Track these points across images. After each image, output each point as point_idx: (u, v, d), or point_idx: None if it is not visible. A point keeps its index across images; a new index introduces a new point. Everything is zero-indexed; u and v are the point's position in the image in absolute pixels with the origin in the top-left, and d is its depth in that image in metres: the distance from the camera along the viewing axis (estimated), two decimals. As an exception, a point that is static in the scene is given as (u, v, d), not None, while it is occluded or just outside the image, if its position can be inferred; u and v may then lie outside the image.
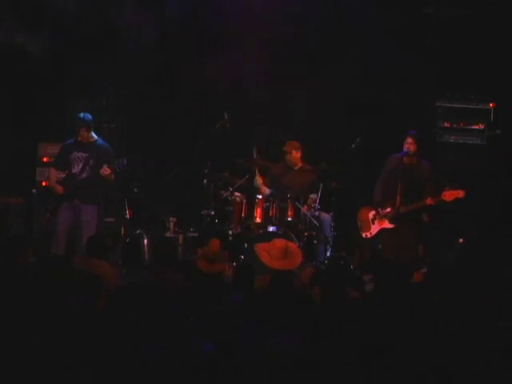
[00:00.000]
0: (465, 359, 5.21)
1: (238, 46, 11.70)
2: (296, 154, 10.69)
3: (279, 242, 9.04)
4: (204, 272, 8.06)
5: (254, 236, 10.26)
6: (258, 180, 10.70)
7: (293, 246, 9.30)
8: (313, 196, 10.38)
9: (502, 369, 5.16)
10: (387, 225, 9.90)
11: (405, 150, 9.87)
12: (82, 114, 9.97)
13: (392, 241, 9.84)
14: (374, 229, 10.02)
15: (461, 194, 9.58)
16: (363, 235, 10.11)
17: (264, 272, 8.08)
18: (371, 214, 10.06)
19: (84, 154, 9.91)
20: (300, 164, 10.76)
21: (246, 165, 10.74)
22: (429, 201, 9.68)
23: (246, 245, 10.16)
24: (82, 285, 6.37)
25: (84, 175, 9.87)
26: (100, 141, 10.04)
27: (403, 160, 9.93)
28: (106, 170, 9.65)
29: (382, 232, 9.98)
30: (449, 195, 9.59)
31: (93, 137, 10.00)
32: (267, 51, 11.67)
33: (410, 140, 9.86)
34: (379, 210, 9.95)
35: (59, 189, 9.90)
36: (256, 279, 7.43)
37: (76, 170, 9.93)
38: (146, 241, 10.59)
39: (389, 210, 9.88)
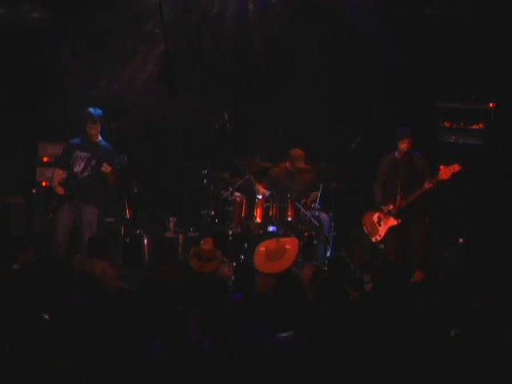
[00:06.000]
0: (464, 359, 5.21)
1: (236, 44, 11.73)
2: (300, 164, 10.65)
3: (262, 249, 8.94)
4: (196, 271, 8.02)
5: (254, 236, 10.26)
6: (258, 189, 10.66)
7: (275, 245, 9.17)
8: (315, 193, 10.37)
9: (502, 369, 5.16)
10: (393, 222, 9.88)
11: (403, 150, 9.89)
12: (91, 108, 9.98)
13: (395, 239, 9.86)
14: (382, 230, 9.99)
15: (456, 167, 9.53)
16: (373, 239, 10.05)
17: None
18: (375, 216, 10.04)
19: (87, 154, 9.91)
20: (301, 165, 10.74)
21: (245, 165, 10.73)
22: (427, 184, 9.65)
23: (246, 245, 10.17)
24: (82, 285, 6.37)
25: (85, 174, 9.87)
26: (103, 142, 10.05)
27: (400, 159, 9.96)
28: (106, 168, 9.66)
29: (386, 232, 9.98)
30: (445, 173, 9.55)
31: (98, 136, 10.01)
32: (267, 51, 11.70)
33: (408, 140, 9.88)
34: (382, 207, 9.94)
35: (60, 190, 9.89)
36: (258, 280, 7.43)
37: (77, 169, 9.93)
38: (146, 241, 10.60)
39: (391, 206, 9.88)
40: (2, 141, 11.37)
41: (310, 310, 6.04)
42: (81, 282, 6.48)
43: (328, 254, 10.43)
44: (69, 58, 11.46)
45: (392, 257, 9.77)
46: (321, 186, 10.34)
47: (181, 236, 10.87)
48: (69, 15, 11.48)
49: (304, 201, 10.28)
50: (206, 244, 8.35)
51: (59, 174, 10.04)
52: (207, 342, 5.20)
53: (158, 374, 4.90)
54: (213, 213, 10.65)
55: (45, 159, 11.34)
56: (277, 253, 8.79)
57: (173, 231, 11.00)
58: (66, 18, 11.47)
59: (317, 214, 10.32)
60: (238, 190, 10.58)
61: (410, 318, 5.84)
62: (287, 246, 9.19)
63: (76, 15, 11.45)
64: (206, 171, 10.77)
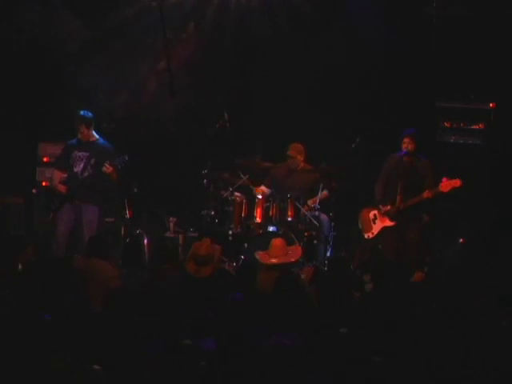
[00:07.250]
0: (465, 359, 5.21)
1: (235, 45, 11.74)
2: (300, 158, 10.65)
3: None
4: (192, 275, 7.97)
5: (254, 236, 10.26)
6: (256, 192, 10.63)
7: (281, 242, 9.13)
8: (314, 199, 10.38)
9: (502, 368, 5.16)
10: (388, 223, 9.89)
11: (404, 150, 9.90)
12: (81, 111, 10.00)
13: (392, 240, 9.85)
14: (376, 228, 10.00)
15: (457, 183, 9.56)
16: (365, 236, 10.07)
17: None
18: (371, 214, 10.06)
19: (85, 154, 9.92)
20: (302, 165, 10.74)
21: (245, 165, 10.73)
22: (426, 194, 9.67)
23: (246, 245, 10.16)
24: (82, 284, 6.38)
25: (85, 174, 9.87)
26: (101, 140, 10.06)
27: (402, 159, 9.94)
28: (108, 168, 9.66)
29: (383, 232, 9.97)
30: (445, 186, 9.57)
31: (94, 136, 10.02)
32: (267, 50, 11.70)
33: (407, 140, 9.88)
34: (380, 207, 9.94)
35: (62, 188, 9.90)
36: (259, 275, 7.43)
37: (77, 169, 9.94)
38: (146, 241, 10.60)
39: (389, 207, 9.88)
40: (1, 141, 11.36)
41: (309, 310, 6.05)
42: (80, 281, 6.48)
43: (328, 254, 10.42)
44: (71, 59, 11.47)
45: (390, 257, 9.76)
46: (321, 185, 10.34)
47: (181, 236, 10.87)
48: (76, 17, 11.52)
49: (304, 201, 10.28)
50: (203, 248, 8.22)
51: (58, 175, 10.05)
52: (208, 342, 5.20)
53: (157, 374, 4.90)
54: (213, 213, 10.65)
55: (45, 159, 11.34)
56: (279, 250, 8.78)
57: (173, 231, 11.00)
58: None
59: (317, 214, 10.31)
60: (237, 190, 10.58)
61: (410, 318, 5.85)
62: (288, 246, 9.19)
63: (82, 18, 11.49)
64: (205, 171, 10.77)
